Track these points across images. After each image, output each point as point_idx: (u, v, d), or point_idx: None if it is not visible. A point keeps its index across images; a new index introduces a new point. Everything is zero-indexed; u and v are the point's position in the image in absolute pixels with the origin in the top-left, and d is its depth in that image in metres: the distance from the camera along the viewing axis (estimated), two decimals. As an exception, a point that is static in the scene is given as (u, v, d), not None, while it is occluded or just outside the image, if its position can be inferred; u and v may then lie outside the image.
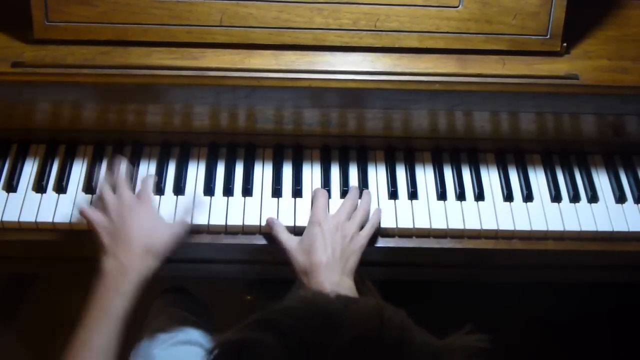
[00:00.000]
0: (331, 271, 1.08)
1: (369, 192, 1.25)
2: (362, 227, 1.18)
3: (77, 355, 0.99)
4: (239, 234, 1.22)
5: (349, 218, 1.17)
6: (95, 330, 1.00)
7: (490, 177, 1.30)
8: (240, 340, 0.63)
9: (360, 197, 1.22)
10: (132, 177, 1.24)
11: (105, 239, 1.09)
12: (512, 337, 1.72)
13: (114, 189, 1.16)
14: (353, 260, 1.13)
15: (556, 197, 1.28)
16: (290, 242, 1.16)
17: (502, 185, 1.29)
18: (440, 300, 1.51)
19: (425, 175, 1.30)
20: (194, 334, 1.29)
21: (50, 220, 1.21)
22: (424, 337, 0.65)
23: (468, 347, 0.64)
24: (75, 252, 1.28)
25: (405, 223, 1.23)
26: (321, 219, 1.15)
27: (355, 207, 1.20)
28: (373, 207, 1.24)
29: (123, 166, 1.20)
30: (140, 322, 1.35)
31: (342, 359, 0.60)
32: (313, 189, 1.25)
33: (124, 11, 1.19)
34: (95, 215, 1.13)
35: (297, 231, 1.19)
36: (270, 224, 1.20)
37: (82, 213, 1.15)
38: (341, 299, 0.69)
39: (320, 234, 1.12)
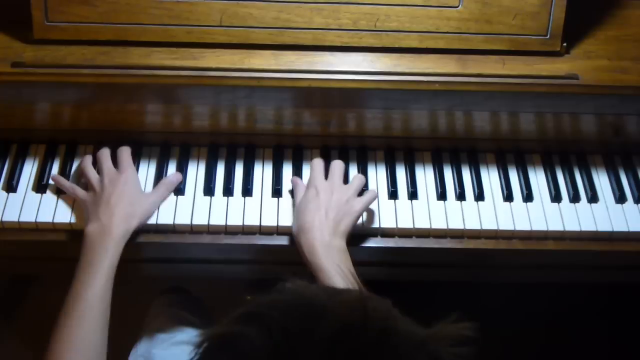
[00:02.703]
0: (322, 230, 1.12)
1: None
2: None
3: (75, 307, 1.04)
4: (239, 234, 1.22)
5: (341, 181, 1.20)
6: (88, 283, 1.05)
7: (490, 177, 1.30)
8: (225, 334, 0.64)
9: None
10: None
11: (90, 208, 1.16)
12: (512, 337, 1.72)
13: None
14: (346, 222, 1.15)
15: (556, 197, 1.28)
16: (297, 203, 1.21)
17: (502, 185, 1.29)
18: (440, 300, 1.50)
19: (425, 175, 1.30)
20: (194, 334, 1.29)
21: (50, 220, 1.21)
22: (409, 327, 0.65)
23: (454, 335, 0.64)
24: (75, 252, 1.26)
25: (405, 223, 1.23)
26: (318, 182, 1.19)
27: (343, 172, 1.22)
28: (373, 207, 1.24)
29: (105, 149, 1.24)
30: (140, 322, 1.35)
31: (326, 350, 0.59)
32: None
33: (124, 11, 1.19)
34: (80, 191, 1.20)
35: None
36: (293, 183, 1.24)
37: (68, 190, 1.21)
38: (326, 290, 0.69)
39: (316, 196, 1.16)
